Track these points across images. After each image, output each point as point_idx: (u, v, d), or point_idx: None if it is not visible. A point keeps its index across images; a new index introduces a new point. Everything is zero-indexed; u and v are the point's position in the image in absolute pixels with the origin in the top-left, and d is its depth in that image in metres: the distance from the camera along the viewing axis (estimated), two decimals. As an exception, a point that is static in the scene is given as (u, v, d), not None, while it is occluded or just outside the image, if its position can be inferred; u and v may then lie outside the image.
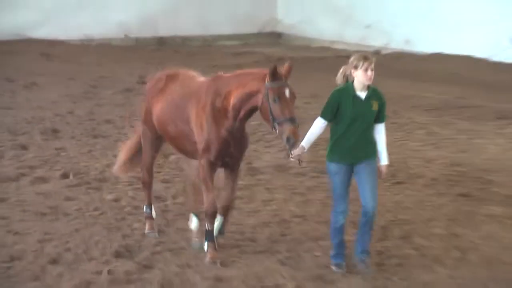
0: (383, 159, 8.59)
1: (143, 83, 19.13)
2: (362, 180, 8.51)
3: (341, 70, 8.51)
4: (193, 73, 9.61)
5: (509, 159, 14.34)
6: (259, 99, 8.37)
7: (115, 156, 13.38)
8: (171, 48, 24.67)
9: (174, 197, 11.96)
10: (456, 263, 9.87)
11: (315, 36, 25.19)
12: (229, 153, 8.80)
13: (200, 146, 8.78)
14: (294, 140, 8.12)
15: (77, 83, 19.66)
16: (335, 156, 8.46)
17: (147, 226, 9.77)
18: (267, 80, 8.28)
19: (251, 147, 12.20)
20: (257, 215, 11.26)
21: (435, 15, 24.30)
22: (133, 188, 12.49)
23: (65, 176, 12.87)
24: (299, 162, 8.46)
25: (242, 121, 8.69)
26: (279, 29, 26.45)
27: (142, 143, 9.95)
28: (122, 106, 17.98)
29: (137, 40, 24.32)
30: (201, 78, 9.25)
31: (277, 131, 8.28)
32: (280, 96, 8.19)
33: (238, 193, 11.44)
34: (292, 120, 8.17)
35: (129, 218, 11.17)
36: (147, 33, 24.46)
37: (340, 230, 8.67)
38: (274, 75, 8.19)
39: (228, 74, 8.94)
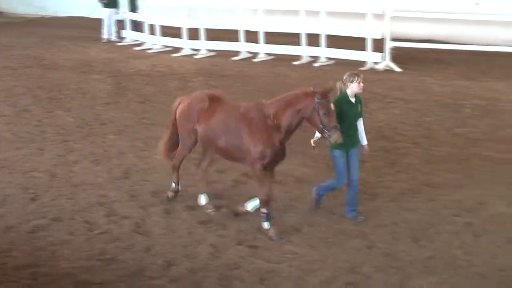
0: (364, 141, 7.57)
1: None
2: (352, 160, 7.50)
3: (337, 85, 7.39)
4: (229, 98, 7.89)
5: (101, 56, 15.62)
6: (307, 112, 7.00)
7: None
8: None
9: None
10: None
11: (15, 12, 27.49)
12: (275, 159, 7.34)
13: (254, 155, 7.20)
14: (340, 140, 6.95)
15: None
16: (339, 145, 7.18)
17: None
18: (317, 97, 6.93)
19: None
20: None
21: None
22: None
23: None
24: (314, 148, 7.29)
25: (290, 133, 7.24)
26: (1, 10, 28.51)
27: (181, 145, 7.99)
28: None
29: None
30: (242, 104, 7.59)
31: (326, 134, 6.98)
32: (328, 110, 6.93)
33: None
34: (336, 127, 6.95)
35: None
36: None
37: (331, 191, 7.66)
38: (324, 94, 6.91)
39: (270, 101, 7.31)
